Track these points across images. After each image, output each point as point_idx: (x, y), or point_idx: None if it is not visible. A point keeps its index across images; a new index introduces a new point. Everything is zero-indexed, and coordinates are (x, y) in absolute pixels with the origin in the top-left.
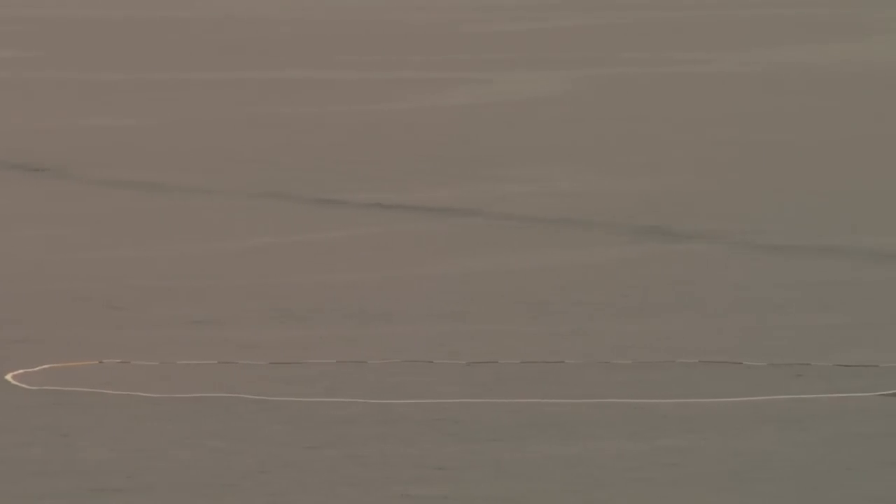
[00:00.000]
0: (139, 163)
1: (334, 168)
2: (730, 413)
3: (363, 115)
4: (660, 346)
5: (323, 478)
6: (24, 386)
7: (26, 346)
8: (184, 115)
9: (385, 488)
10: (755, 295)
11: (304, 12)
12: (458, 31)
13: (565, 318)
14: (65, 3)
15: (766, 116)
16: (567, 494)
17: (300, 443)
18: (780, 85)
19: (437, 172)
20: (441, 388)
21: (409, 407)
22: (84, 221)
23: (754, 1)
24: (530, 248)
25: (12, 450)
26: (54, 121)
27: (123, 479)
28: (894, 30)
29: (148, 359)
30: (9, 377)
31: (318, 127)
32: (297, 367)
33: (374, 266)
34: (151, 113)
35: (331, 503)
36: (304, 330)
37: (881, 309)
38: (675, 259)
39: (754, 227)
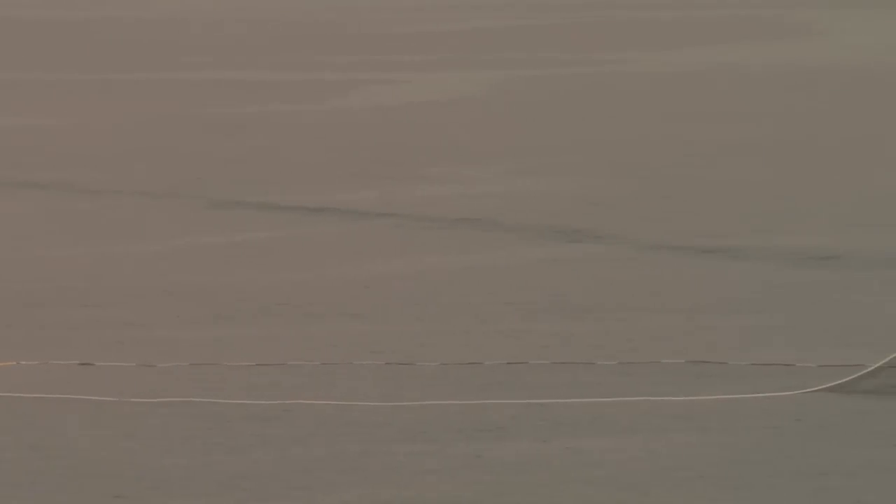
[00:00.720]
0: (54, 163)
1: (254, 169)
2: (649, 413)
3: (283, 117)
4: (579, 348)
5: (237, 480)
6: None
7: None
8: (96, 116)
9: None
10: (672, 296)
11: (225, 13)
12: (378, 31)
13: (483, 319)
14: None
15: (687, 117)
16: (488, 497)
17: (222, 444)
18: (703, 85)
19: (358, 174)
20: (361, 390)
21: (328, 408)
22: None
23: (679, 3)
24: (450, 250)
25: None
26: None
27: (27, 480)
28: (818, 31)
29: (66, 359)
30: None
31: (237, 128)
32: (217, 368)
33: (295, 267)
34: (65, 113)
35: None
36: (223, 331)
37: (796, 309)
38: (593, 260)
39: (670, 227)
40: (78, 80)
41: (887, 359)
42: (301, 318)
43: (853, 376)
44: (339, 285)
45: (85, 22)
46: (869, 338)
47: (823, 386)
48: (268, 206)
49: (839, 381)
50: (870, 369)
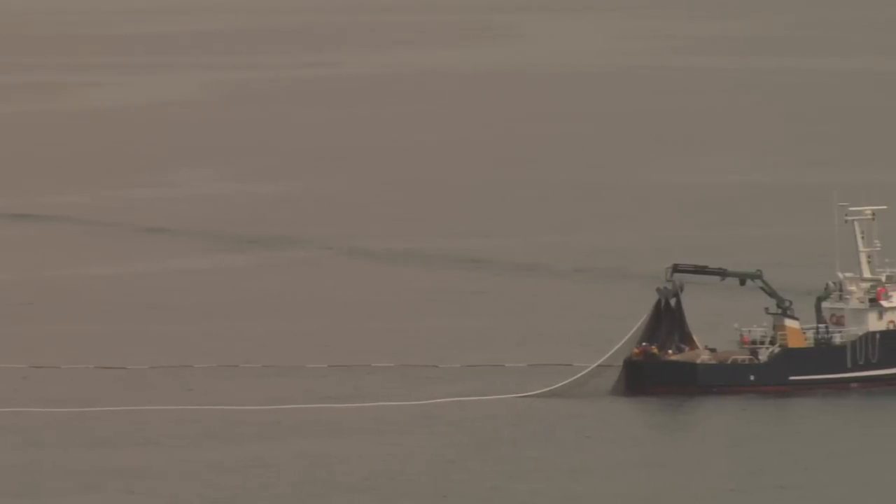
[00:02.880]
0: None
1: None
2: (361, 416)
3: None
4: (288, 350)
5: None
6: None
7: None
8: None
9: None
10: (380, 300)
11: None
12: (92, 33)
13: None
14: None
15: (396, 119)
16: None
17: None
18: (409, 88)
19: (65, 179)
20: (76, 394)
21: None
22: None
23: (396, 6)
24: (150, 255)
25: None
26: None
27: None
28: (521, 35)
29: None
30: None
31: None
32: None
33: (7, 269)
34: None
35: None
36: None
37: (499, 312)
38: (292, 264)
39: (373, 232)
40: None
41: (596, 363)
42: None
43: (568, 380)
44: (49, 286)
45: None
46: (572, 338)
47: (540, 391)
48: None
49: (555, 386)
50: (582, 374)
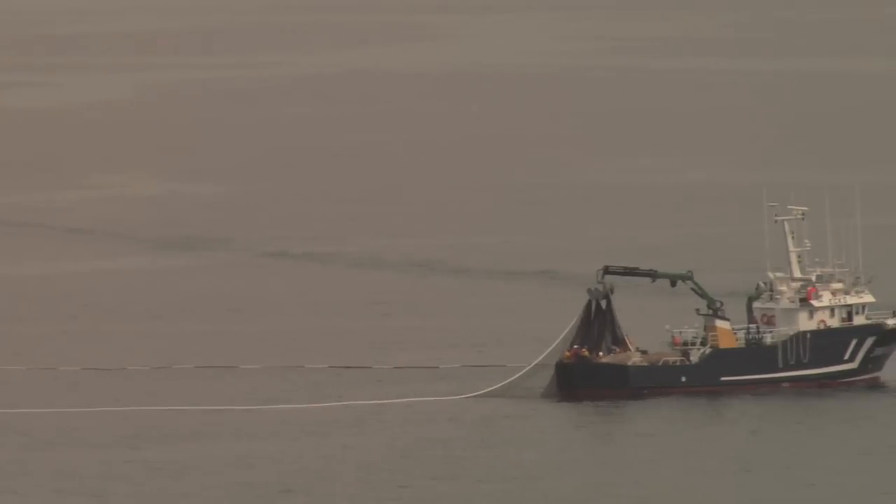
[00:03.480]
0: None
1: None
2: (293, 417)
3: None
4: (220, 351)
5: None
6: None
7: None
8: None
9: None
10: (310, 301)
11: None
12: (11, 33)
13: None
14: None
15: (329, 121)
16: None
17: None
18: (349, 89)
19: (9, 179)
20: None
21: None
22: None
23: (314, 6)
24: (77, 256)
25: None
26: None
27: None
28: (463, 35)
29: None
30: None
31: None
32: None
33: None
34: None
35: None
36: None
37: (427, 313)
38: (222, 266)
39: (291, 234)
40: None
41: (533, 363)
42: None
43: (507, 381)
44: None
45: None
46: (500, 339)
47: (480, 392)
48: None
49: (494, 387)
50: (519, 375)
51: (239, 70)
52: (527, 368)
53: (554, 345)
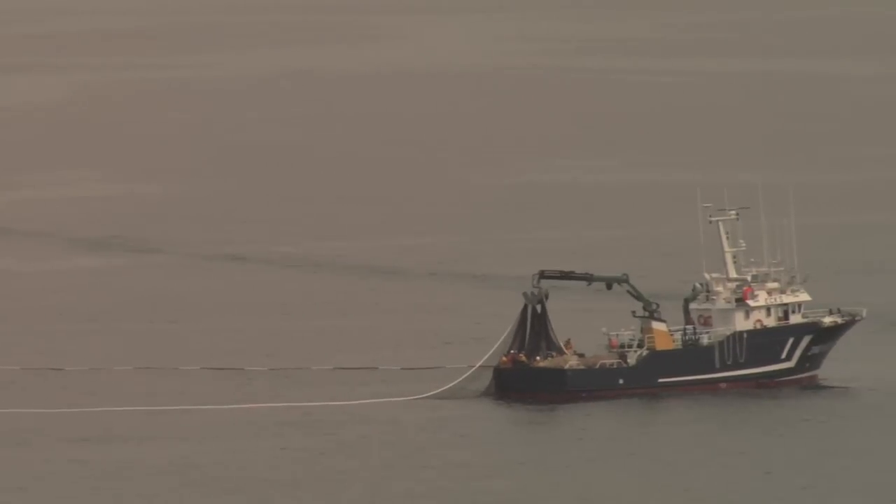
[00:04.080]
0: None
1: None
2: (236, 418)
3: None
4: (162, 352)
5: None
6: None
7: None
8: None
9: None
10: (249, 302)
11: None
12: None
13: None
14: None
15: (265, 121)
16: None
17: None
18: (285, 90)
19: None
20: None
21: None
22: None
23: (257, 6)
24: (21, 257)
25: None
26: None
27: None
28: (403, 35)
29: None
30: None
31: None
32: None
33: None
34: None
35: None
36: None
37: (361, 315)
38: (159, 266)
39: (222, 237)
40: None
41: (476, 365)
42: None
43: (453, 383)
44: None
45: None
46: (439, 340)
47: (432, 392)
48: None
49: (445, 387)
50: (466, 375)
51: (184, 70)
52: (469, 372)
53: (495, 347)
